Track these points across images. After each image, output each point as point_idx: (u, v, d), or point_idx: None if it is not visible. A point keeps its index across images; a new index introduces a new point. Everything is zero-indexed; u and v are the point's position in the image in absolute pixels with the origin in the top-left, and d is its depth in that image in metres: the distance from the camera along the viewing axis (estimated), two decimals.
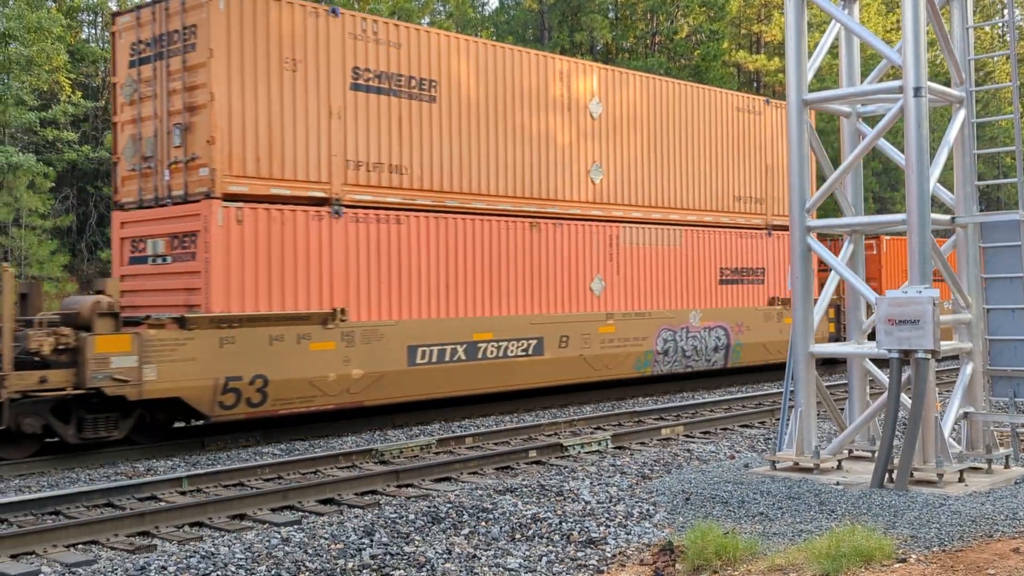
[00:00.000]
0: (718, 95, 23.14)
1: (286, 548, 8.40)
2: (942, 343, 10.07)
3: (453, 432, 16.01)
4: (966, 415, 10.98)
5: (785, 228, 22.87)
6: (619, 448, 14.47)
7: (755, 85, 49.44)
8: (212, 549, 8.49)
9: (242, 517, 10.45)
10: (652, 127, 21.25)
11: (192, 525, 10.17)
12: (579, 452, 13.94)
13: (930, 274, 10.14)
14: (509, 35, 43.88)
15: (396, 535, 8.74)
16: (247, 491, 11.52)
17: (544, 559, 8.16)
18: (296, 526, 9.54)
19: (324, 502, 11.19)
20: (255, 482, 12.20)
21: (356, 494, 11.51)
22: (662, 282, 21.35)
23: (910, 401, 10.04)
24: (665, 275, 21.43)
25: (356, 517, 9.58)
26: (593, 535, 8.72)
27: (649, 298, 21.05)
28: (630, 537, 8.71)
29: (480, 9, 52.28)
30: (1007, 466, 10.81)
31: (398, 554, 8.26)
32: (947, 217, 11.17)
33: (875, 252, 28.09)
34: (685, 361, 21.67)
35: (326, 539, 8.64)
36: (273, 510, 10.70)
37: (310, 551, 8.32)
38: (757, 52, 48.46)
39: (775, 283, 24.04)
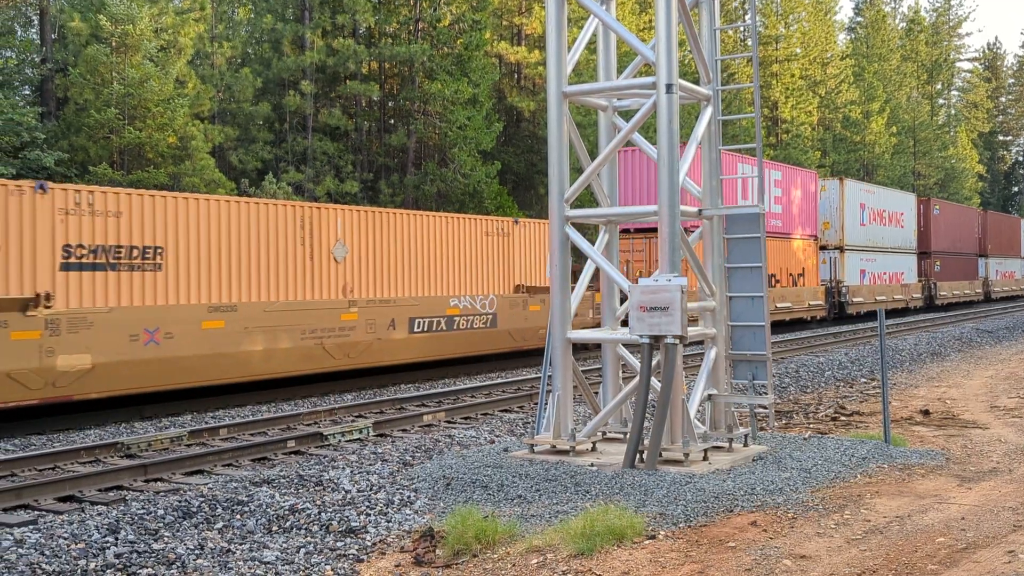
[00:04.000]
0: None
1: (20, 550, 7.80)
2: (689, 329, 10.57)
3: (206, 423, 15.41)
4: (710, 397, 11.59)
5: None
6: (381, 435, 14.37)
7: (516, 76, 50.40)
8: None
9: None
10: None
11: None
12: (340, 441, 13.74)
13: (679, 263, 10.60)
14: (268, 14, 42.62)
15: (144, 532, 8.29)
16: None
17: (302, 550, 7.97)
18: (31, 526, 8.88)
19: (64, 500, 10.50)
20: None
21: (100, 490, 10.87)
22: None
23: (659, 384, 10.49)
24: None
25: (100, 515, 9.01)
26: (353, 524, 8.59)
27: None
28: (391, 525, 8.64)
29: None
30: (746, 444, 11.51)
31: (146, 551, 7.84)
32: (695, 209, 11.72)
33: None
34: None
35: (66, 539, 8.08)
36: (5, 510, 9.93)
37: (48, 552, 7.76)
38: (518, 44, 49.38)
39: None
